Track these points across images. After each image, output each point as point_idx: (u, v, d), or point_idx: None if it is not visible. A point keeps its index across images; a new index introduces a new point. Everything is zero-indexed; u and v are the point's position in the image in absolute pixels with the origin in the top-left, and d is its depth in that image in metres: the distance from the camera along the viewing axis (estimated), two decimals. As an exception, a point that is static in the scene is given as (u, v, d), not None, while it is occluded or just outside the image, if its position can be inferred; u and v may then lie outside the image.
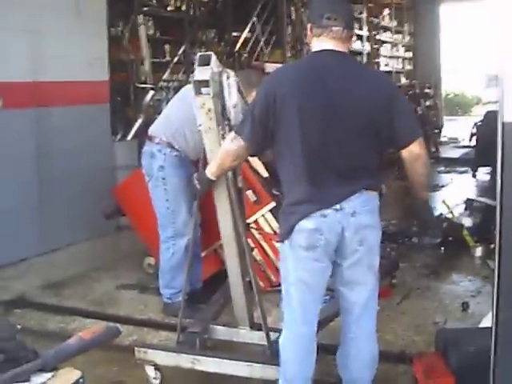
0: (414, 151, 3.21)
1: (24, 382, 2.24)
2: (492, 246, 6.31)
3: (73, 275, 6.22)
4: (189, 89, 5.19)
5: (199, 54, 3.88)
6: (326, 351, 3.86)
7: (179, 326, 4.16)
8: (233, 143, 3.33)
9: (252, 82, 4.63)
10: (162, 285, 5.20)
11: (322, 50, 3.21)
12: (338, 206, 3.15)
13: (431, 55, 20.07)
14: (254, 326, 4.30)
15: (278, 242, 3.57)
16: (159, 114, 5.65)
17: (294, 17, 12.93)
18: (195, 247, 5.15)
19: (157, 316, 5.22)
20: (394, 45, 19.29)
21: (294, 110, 3.11)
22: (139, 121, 8.63)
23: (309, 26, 3.30)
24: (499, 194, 2.43)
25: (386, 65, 18.30)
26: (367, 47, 16.65)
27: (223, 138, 3.74)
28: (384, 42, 18.19)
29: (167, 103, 5.83)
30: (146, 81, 9.92)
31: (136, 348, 4.05)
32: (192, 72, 4.00)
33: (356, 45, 16.04)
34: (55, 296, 5.71)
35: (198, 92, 3.73)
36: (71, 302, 5.55)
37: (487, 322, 4.58)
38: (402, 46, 20.08)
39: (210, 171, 3.60)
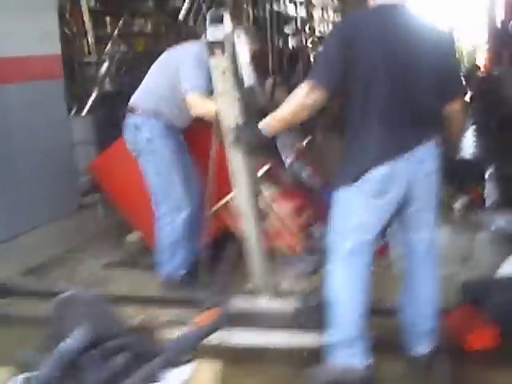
0: (462, 103, 3.44)
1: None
2: (469, 197, 6.38)
3: (50, 258, 5.90)
4: (172, 53, 5.01)
5: (210, 11, 3.70)
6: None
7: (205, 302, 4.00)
8: (310, 96, 3.20)
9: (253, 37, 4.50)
10: (162, 261, 5.00)
11: (387, 4, 3.26)
12: (409, 153, 3.22)
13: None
14: (275, 294, 4.17)
15: (336, 186, 3.39)
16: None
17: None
18: (195, 218, 4.93)
19: (158, 292, 5.00)
20: (325, 8, 19.22)
21: (375, 57, 3.13)
22: (93, 95, 8.30)
23: None
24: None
25: (318, 29, 18.22)
26: (301, 12, 16.52)
27: (238, 100, 3.59)
28: (315, 6, 18.08)
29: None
30: (90, 54, 9.60)
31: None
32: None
33: (290, 9, 15.93)
34: (40, 281, 5.41)
35: (211, 53, 3.56)
36: (59, 285, 5.19)
37: (506, 269, 4.59)
38: (332, 10, 20.02)
39: (272, 127, 3.42)
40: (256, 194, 3.98)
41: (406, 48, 3.18)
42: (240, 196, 3.95)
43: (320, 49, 3.77)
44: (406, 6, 3.30)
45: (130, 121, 4.86)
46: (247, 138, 3.55)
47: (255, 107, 3.96)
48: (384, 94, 3.16)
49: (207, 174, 4.93)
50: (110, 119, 9.01)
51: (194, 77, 4.46)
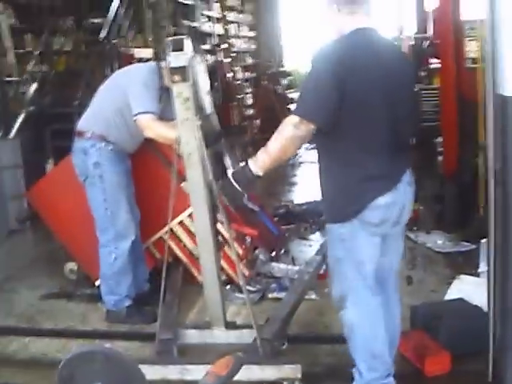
0: None
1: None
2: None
3: (-17, 289, 5.63)
4: (119, 74, 4.91)
5: (170, 38, 3.60)
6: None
7: (158, 335, 3.86)
8: (299, 129, 3.10)
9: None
10: (105, 291, 4.83)
11: (363, 28, 3.24)
12: (403, 178, 3.29)
13: (273, 33, 20.30)
14: (229, 326, 4.06)
15: (333, 222, 3.34)
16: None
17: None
18: (138, 246, 4.90)
19: (102, 325, 4.82)
20: (240, 25, 19.24)
21: (367, 88, 3.11)
22: (21, 117, 8.01)
23: (335, 6, 3.28)
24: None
25: (234, 45, 18.21)
26: (217, 28, 16.50)
27: (198, 129, 3.52)
28: (231, 22, 18.07)
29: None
30: (12, 74, 9.31)
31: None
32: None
33: (205, 26, 15.90)
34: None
35: (173, 80, 3.45)
36: (-4, 320, 5.01)
37: (454, 293, 4.64)
38: (247, 26, 20.07)
39: (262, 166, 3.25)
40: (215, 222, 3.87)
41: (390, 76, 3.19)
42: (199, 224, 3.83)
43: (306, 81, 3.68)
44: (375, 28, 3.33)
45: (78, 145, 4.71)
46: (242, 183, 3.34)
47: (212, 134, 3.86)
48: (380, 124, 3.18)
49: (146, 201, 4.89)
50: (36, 142, 8.78)
51: (145, 99, 4.40)
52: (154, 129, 4.37)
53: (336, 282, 3.43)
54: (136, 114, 4.39)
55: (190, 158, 3.66)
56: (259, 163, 3.25)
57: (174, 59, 3.45)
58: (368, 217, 3.20)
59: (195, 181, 3.69)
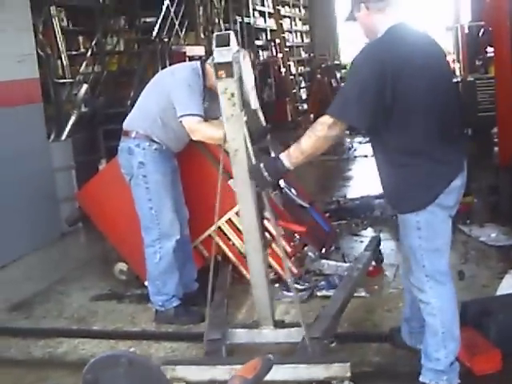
0: None
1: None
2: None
3: (36, 292, 5.66)
4: (164, 74, 4.90)
5: (216, 33, 3.55)
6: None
7: (206, 336, 3.82)
8: (332, 129, 3.17)
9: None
10: (153, 292, 4.79)
11: (397, 25, 3.26)
12: (465, 163, 3.39)
13: (328, 27, 20.13)
14: (278, 325, 3.99)
15: (408, 212, 3.35)
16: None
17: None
18: (186, 245, 4.86)
19: (150, 326, 4.78)
20: (293, 19, 19.18)
21: (415, 84, 3.15)
22: (73, 118, 8.08)
23: (362, 5, 3.31)
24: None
25: (287, 40, 18.15)
26: (270, 23, 16.46)
27: (246, 124, 3.52)
28: (284, 17, 18.02)
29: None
30: (65, 75, 9.42)
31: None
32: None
33: (259, 21, 15.87)
34: (26, 318, 5.15)
35: (218, 76, 3.43)
36: (48, 322, 5.02)
37: (505, 288, 4.49)
38: (300, 20, 19.99)
39: (293, 160, 3.32)
40: (262, 220, 3.80)
41: (432, 69, 3.23)
42: (246, 222, 3.76)
43: (347, 82, 3.67)
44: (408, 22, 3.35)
45: (124, 145, 4.68)
46: (272, 174, 3.39)
47: (258, 131, 3.80)
48: (435, 114, 3.23)
49: (194, 200, 4.85)
50: (89, 143, 8.87)
51: (190, 102, 4.38)
52: (201, 131, 4.38)
53: (414, 270, 3.44)
54: (181, 116, 4.38)
55: (236, 155, 3.59)
56: (291, 158, 3.32)
57: (219, 55, 3.40)
58: (444, 201, 3.28)
59: (241, 177, 3.61)
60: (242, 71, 3.47)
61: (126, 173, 4.70)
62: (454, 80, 9.82)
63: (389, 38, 3.20)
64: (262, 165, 3.41)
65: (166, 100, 4.51)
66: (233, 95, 3.41)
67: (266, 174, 3.38)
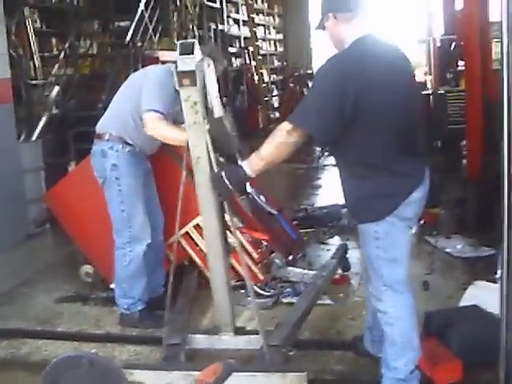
0: None
1: None
2: (422, 221, 6.32)
3: (0, 293, 5.62)
4: (137, 75, 4.90)
5: (180, 42, 3.57)
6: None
7: (165, 340, 3.83)
8: (291, 135, 3.20)
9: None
10: (119, 295, 4.81)
11: (365, 36, 3.27)
12: (425, 175, 3.42)
13: (301, 36, 20.23)
14: (238, 331, 4.01)
15: (367, 222, 3.39)
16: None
17: (178, 3, 12.59)
18: (158, 251, 4.87)
19: (115, 329, 4.80)
20: (267, 27, 19.25)
21: (379, 98, 3.17)
22: (43, 119, 8.05)
23: (331, 14, 3.31)
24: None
25: (261, 48, 18.21)
26: (244, 31, 16.50)
27: (208, 132, 3.51)
28: (258, 25, 18.08)
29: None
30: (37, 76, 9.38)
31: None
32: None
33: (234, 28, 15.90)
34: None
35: (181, 84, 3.42)
36: (11, 323, 4.99)
37: (468, 299, 4.54)
38: (274, 29, 20.07)
39: (254, 168, 3.34)
40: (225, 227, 3.82)
41: (399, 82, 3.28)
42: (208, 228, 3.79)
43: (309, 92, 3.70)
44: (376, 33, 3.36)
45: (97, 148, 4.69)
46: (233, 182, 3.41)
47: (224, 139, 3.79)
48: (399, 126, 3.25)
49: (166, 204, 4.86)
50: (59, 145, 8.83)
51: (154, 98, 4.36)
52: (156, 129, 4.32)
53: (373, 280, 3.49)
54: (144, 110, 4.36)
55: (198, 162, 3.62)
56: (252, 165, 3.33)
57: (182, 63, 3.41)
58: (403, 212, 3.31)
59: (203, 185, 3.64)
60: (206, 79, 3.49)
61: (98, 176, 4.70)
62: (425, 92, 9.97)
63: (355, 50, 3.21)
64: (223, 173, 3.42)
65: (137, 98, 4.47)
66: (195, 103, 3.43)
67: (227, 182, 3.39)
